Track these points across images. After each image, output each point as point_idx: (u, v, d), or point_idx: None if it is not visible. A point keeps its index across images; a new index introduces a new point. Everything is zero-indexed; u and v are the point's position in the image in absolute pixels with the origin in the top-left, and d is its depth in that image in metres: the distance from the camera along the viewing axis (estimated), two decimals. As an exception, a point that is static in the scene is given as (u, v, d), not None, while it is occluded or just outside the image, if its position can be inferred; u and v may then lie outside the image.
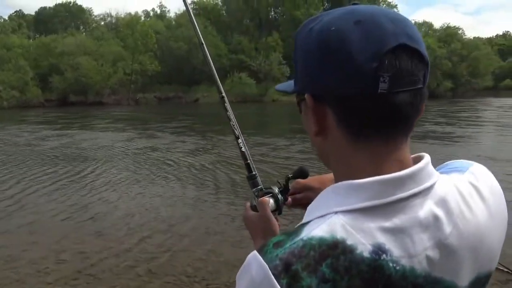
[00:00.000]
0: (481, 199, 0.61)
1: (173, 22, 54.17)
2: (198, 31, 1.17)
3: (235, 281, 0.54)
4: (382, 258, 0.51)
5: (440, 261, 0.55)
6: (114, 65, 43.87)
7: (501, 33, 79.96)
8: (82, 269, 4.09)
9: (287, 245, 0.52)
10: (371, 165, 0.57)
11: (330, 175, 0.77)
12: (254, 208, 0.92)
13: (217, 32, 48.17)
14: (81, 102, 40.14)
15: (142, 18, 58.95)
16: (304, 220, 0.58)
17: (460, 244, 0.56)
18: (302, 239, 0.52)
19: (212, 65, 1.11)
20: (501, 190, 0.66)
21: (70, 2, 72.89)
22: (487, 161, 8.60)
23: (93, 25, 71.92)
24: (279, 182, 0.98)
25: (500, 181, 0.64)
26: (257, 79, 42.98)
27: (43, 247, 4.66)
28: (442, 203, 0.56)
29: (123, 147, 12.31)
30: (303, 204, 0.97)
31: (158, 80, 46.19)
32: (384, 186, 0.54)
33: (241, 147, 1.01)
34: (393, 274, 0.51)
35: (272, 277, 0.49)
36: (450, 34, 49.32)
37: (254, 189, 1.00)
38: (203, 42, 1.14)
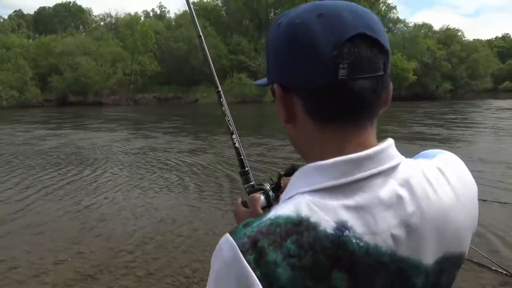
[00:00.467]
0: (447, 182, 0.63)
1: (173, 23, 54.21)
2: (197, 21, 1.21)
3: None
4: (345, 234, 0.53)
5: (405, 240, 0.57)
6: (114, 65, 43.85)
7: (500, 35, 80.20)
8: (80, 269, 4.08)
9: (255, 224, 0.55)
10: (335, 149, 0.60)
11: None
12: (245, 204, 0.91)
13: (216, 32, 48.20)
14: (80, 102, 40.13)
15: (142, 18, 58.96)
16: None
17: (423, 224, 0.58)
18: (269, 219, 0.55)
19: (210, 59, 1.14)
20: (470, 176, 0.68)
21: (69, 2, 72.91)
22: (478, 162, 8.61)
23: (93, 25, 72.05)
24: (271, 179, 0.98)
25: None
26: (257, 79, 42.84)
27: (41, 248, 4.64)
28: (406, 184, 0.59)
29: (121, 147, 12.30)
30: None
31: (158, 80, 46.20)
32: (344, 166, 0.58)
33: (235, 143, 1.03)
34: (356, 250, 0.53)
35: (240, 254, 0.52)
36: (449, 36, 49.43)
37: (246, 185, 1.00)
38: (201, 34, 1.18)
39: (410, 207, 0.58)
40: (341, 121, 0.60)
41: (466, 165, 0.67)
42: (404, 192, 0.58)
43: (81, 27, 72.39)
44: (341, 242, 0.53)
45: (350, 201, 0.56)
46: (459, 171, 0.66)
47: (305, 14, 0.59)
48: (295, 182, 0.62)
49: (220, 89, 1.12)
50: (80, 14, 73.78)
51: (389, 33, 55.16)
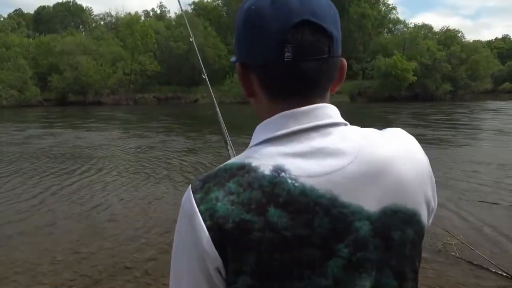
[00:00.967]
0: (386, 141, 0.68)
1: (173, 22, 54.10)
2: (189, 27, 1.38)
3: None
4: (281, 175, 0.61)
5: (344, 186, 0.62)
6: (114, 65, 43.74)
7: (500, 37, 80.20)
8: (78, 270, 4.06)
9: (209, 172, 0.66)
10: None
11: None
12: None
13: (217, 33, 48.12)
14: (79, 102, 40.05)
15: (142, 18, 58.92)
16: None
17: (360, 170, 0.63)
18: (220, 167, 0.66)
19: (199, 57, 1.28)
20: (415, 140, 0.73)
21: (69, 1, 72.85)
22: (477, 164, 8.59)
23: (93, 24, 71.99)
24: None
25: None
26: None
27: (38, 248, 4.62)
28: (344, 138, 0.65)
29: (121, 147, 12.28)
30: None
31: (158, 80, 46.12)
32: (280, 120, 0.66)
33: (220, 117, 1.20)
34: (291, 190, 0.60)
35: (191, 193, 0.63)
36: (449, 37, 49.31)
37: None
38: (191, 34, 1.32)
39: (347, 157, 0.63)
40: (291, 96, 0.67)
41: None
42: (342, 144, 0.64)
43: (81, 26, 72.34)
44: (278, 182, 0.61)
45: (287, 149, 0.63)
46: (401, 136, 0.72)
47: (261, 1, 0.65)
48: (250, 142, 0.70)
49: (205, 76, 1.29)
50: (80, 14, 73.72)
51: (389, 34, 55.22)
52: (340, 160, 0.63)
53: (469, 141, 12.74)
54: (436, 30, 54.15)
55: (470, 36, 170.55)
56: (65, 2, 72.43)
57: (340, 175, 0.62)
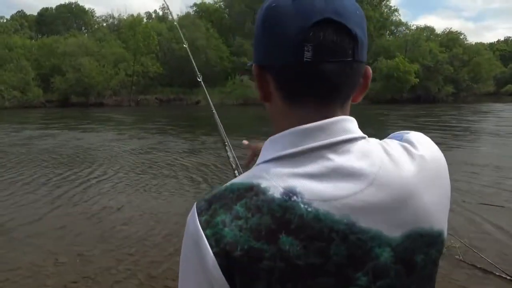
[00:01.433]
0: (411, 158, 0.63)
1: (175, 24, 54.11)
2: (181, 33, 1.58)
3: None
4: (293, 199, 0.57)
5: (363, 211, 0.58)
6: (116, 66, 43.83)
7: (503, 39, 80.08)
8: (81, 272, 4.06)
9: (214, 192, 0.62)
10: (297, 125, 0.63)
11: None
12: None
13: (219, 34, 48.20)
14: (82, 103, 40.11)
15: (144, 19, 58.99)
16: None
17: (381, 195, 0.59)
18: (226, 186, 0.62)
19: (193, 61, 1.35)
20: (439, 153, 0.69)
21: (72, 3, 73.06)
22: (480, 167, 8.57)
23: (95, 26, 72.08)
24: None
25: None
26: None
27: (41, 250, 4.62)
28: (363, 157, 0.60)
29: (124, 148, 12.27)
30: None
31: (160, 82, 46.18)
32: (292, 137, 0.62)
33: (216, 119, 1.25)
34: (305, 215, 0.56)
35: (196, 215, 0.60)
36: (452, 39, 49.24)
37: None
38: (186, 45, 1.47)
39: (366, 178, 0.59)
40: (307, 100, 0.62)
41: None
42: (360, 164, 0.59)
43: (83, 28, 72.51)
44: (289, 206, 0.56)
45: (299, 169, 0.59)
46: (426, 149, 0.66)
47: None
48: (259, 157, 0.66)
49: (200, 77, 1.34)
50: (82, 15, 73.88)
51: (391, 36, 55.16)
52: (358, 181, 0.59)
53: (471, 144, 12.71)
54: (438, 32, 54.05)
55: (472, 38, 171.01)
56: (67, 3, 72.62)
57: (358, 199, 0.58)
